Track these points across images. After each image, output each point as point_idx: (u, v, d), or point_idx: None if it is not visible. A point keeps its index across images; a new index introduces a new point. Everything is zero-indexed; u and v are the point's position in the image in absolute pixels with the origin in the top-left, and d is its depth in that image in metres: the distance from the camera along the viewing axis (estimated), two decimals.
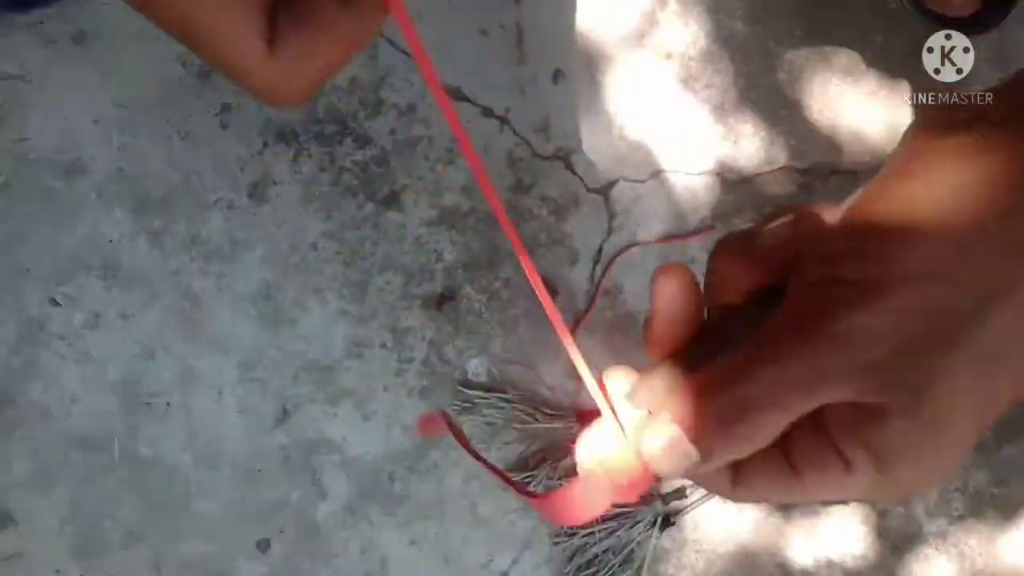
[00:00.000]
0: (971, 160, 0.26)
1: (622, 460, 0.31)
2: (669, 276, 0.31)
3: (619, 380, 0.33)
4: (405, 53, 1.09)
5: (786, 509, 1.14)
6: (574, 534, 1.10)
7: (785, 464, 0.29)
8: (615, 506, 0.29)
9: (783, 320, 0.28)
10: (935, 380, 0.26)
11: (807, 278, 0.28)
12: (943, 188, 0.26)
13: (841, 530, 1.15)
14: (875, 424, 0.27)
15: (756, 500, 0.31)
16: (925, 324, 0.25)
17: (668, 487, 1.12)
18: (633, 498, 0.32)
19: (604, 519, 1.10)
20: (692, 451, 0.28)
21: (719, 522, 1.14)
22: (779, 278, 0.30)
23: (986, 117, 0.27)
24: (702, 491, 1.12)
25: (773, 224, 0.30)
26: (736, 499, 0.31)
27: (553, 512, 0.32)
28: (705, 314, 0.33)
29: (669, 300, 0.31)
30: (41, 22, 1.06)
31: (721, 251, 0.32)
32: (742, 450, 0.28)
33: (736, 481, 0.30)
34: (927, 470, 0.27)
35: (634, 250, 1.12)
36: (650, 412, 0.31)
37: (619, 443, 0.31)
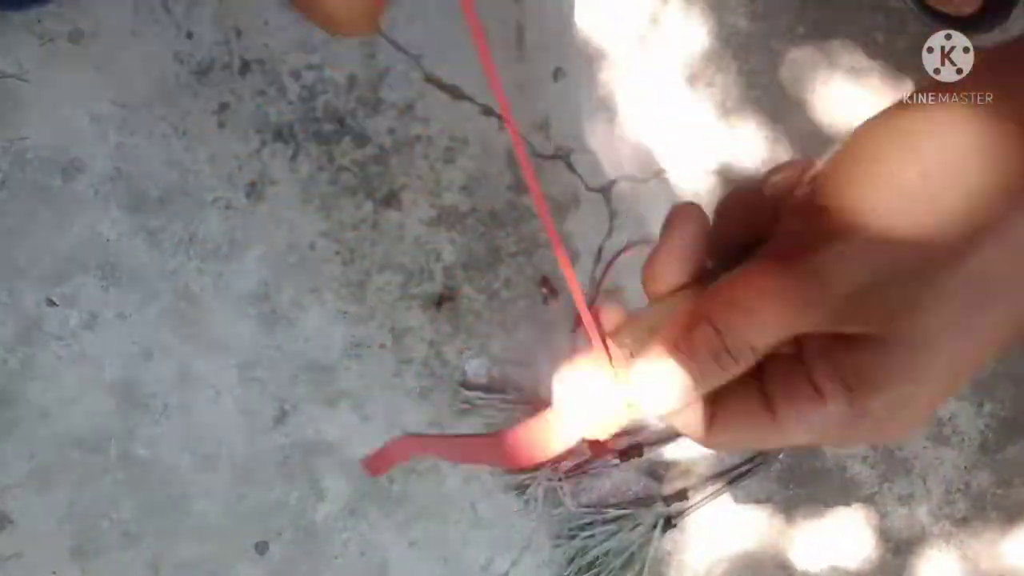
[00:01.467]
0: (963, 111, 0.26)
1: (602, 392, 0.31)
2: (688, 212, 0.32)
3: (609, 315, 0.33)
4: (404, 52, 1.08)
5: (788, 510, 1.14)
6: (574, 536, 1.10)
7: (760, 399, 0.29)
8: (578, 450, 0.29)
9: (765, 253, 0.29)
10: (908, 310, 0.26)
11: (792, 215, 0.29)
12: (932, 128, 0.26)
13: (843, 532, 1.15)
14: (847, 351, 0.27)
15: (731, 443, 0.31)
16: (902, 255, 0.26)
17: (669, 489, 1.11)
18: (602, 439, 0.31)
19: (605, 520, 1.10)
20: (681, 381, 0.29)
21: (720, 524, 1.13)
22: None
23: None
24: (704, 493, 1.12)
25: (777, 173, 0.31)
26: (710, 442, 0.31)
27: (517, 449, 0.31)
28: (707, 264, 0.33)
29: (682, 236, 0.32)
30: (38, 21, 1.06)
31: (731, 196, 0.32)
32: (724, 374, 0.29)
33: (711, 420, 0.31)
34: (900, 402, 0.27)
35: (634, 250, 1.11)
36: (632, 353, 0.31)
37: (601, 373, 0.31)
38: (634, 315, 0.32)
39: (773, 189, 0.30)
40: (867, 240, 0.26)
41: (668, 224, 0.32)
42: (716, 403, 0.31)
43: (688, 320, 0.29)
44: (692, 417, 0.31)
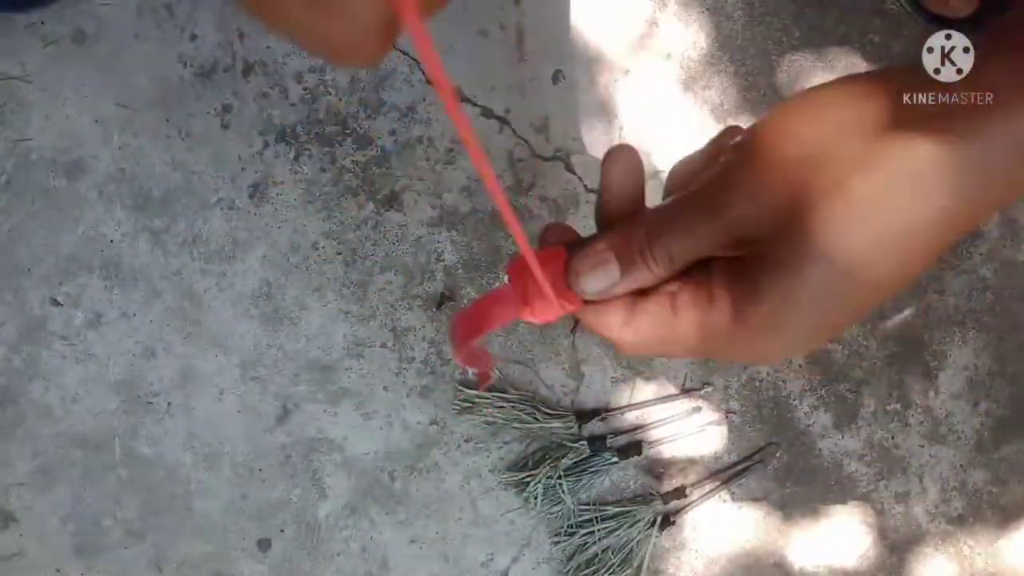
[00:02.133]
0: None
1: (544, 272, 0.36)
2: (619, 155, 0.38)
3: (562, 231, 0.40)
4: (405, 54, 1.09)
5: (785, 508, 1.15)
6: (574, 533, 1.11)
7: (669, 302, 0.36)
8: (520, 320, 0.38)
9: (690, 190, 0.35)
10: (780, 234, 0.32)
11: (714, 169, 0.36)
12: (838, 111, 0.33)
13: (840, 529, 1.16)
14: (740, 270, 0.34)
15: (640, 340, 0.37)
16: (779, 194, 0.32)
17: (667, 487, 1.12)
18: (540, 318, 0.37)
19: (604, 518, 1.11)
20: (614, 267, 0.36)
21: (718, 522, 1.14)
22: None
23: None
24: (702, 490, 1.13)
25: (711, 141, 0.38)
26: (623, 337, 0.37)
27: (472, 320, 0.37)
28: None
29: (620, 176, 0.38)
30: (41, 23, 1.06)
31: (678, 163, 0.40)
32: (644, 270, 0.36)
33: (627, 320, 0.37)
34: (774, 319, 0.33)
35: None
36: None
37: (547, 259, 0.37)
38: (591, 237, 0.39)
39: (704, 154, 0.38)
40: (752, 184, 0.33)
41: (603, 167, 0.38)
42: (635, 307, 0.37)
43: (625, 227, 0.37)
44: (612, 317, 0.37)
